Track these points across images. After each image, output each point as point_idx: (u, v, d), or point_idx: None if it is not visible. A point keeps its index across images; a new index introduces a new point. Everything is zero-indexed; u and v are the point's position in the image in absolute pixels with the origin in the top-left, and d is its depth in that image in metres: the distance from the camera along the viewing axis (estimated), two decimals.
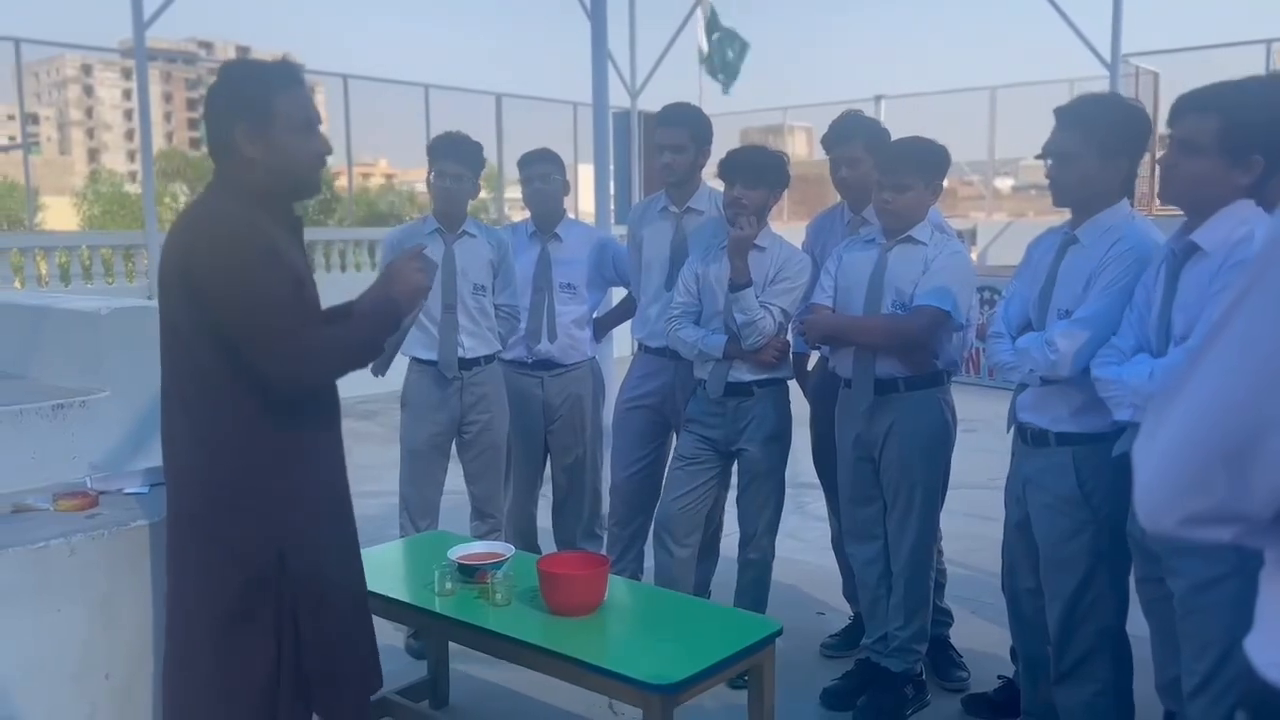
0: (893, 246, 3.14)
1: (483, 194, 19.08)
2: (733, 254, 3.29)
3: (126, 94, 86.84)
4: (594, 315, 4.27)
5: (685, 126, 3.68)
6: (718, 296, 3.41)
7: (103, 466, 2.87)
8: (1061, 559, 2.68)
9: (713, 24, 12.79)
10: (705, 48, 13.21)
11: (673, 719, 2.36)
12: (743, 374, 3.39)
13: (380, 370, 3.71)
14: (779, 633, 2.61)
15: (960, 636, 3.71)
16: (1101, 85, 10.73)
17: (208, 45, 76.25)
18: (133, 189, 43.19)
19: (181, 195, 33.40)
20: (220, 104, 2.18)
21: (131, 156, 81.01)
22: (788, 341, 3.42)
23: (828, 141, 3.55)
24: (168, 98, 79.37)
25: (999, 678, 3.36)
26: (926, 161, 3.11)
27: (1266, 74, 2.16)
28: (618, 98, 11.00)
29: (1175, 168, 2.18)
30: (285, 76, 2.20)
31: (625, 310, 4.38)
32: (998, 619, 3.76)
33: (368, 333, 2.30)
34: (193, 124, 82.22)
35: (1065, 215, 2.76)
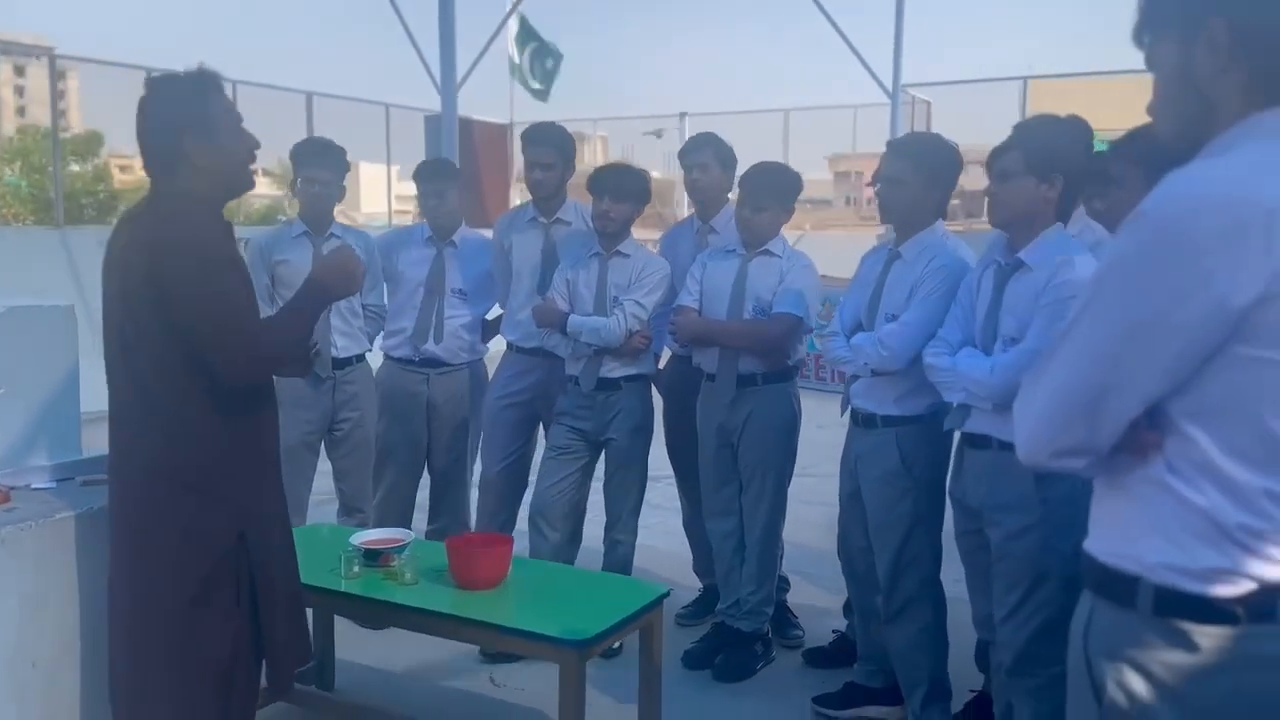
0: (752, 257, 3.61)
1: (277, 191, 18.36)
2: (541, 322, 3.79)
3: None
4: (485, 318, 4.46)
5: (554, 146, 4.00)
6: (586, 300, 3.76)
7: (2, 463, 2.87)
8: (888, 521, 3.18)
9: (526, 35, 13.10)
10: (516, 58, 13.51)
11: (585, 671, 2.68)
12: (612, 370, 3.76)
13: (305, 371, 3.77)
14: (668, 594, 2.99)
15: (795, 600, 4.21)
16: (883, 112, 11.86)
17: None
18: None
19: None
20: (164, 117, 2.32)
21: None
22: (648, 336, 3.80)
23: (683, 153, 4.08)
24: None
25: (833, 632, 3.87)
26: (782, 186, 3.61)
27: (1061, 116, 2.77)
28: (430, 101, 11.09)
29: (997, 195, 2.72)
30: (213, 82, 2.37)
31: None
32: (827, 585, 4.31)
33: (302, 319, 2.48)
34: None
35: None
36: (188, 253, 2.22)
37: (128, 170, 25.20)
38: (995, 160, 2.72)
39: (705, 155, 3.99)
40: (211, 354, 2.26)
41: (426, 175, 4.27)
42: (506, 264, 4.17)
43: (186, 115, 2.31)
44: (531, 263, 4.08)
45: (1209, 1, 1.31)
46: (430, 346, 4.22)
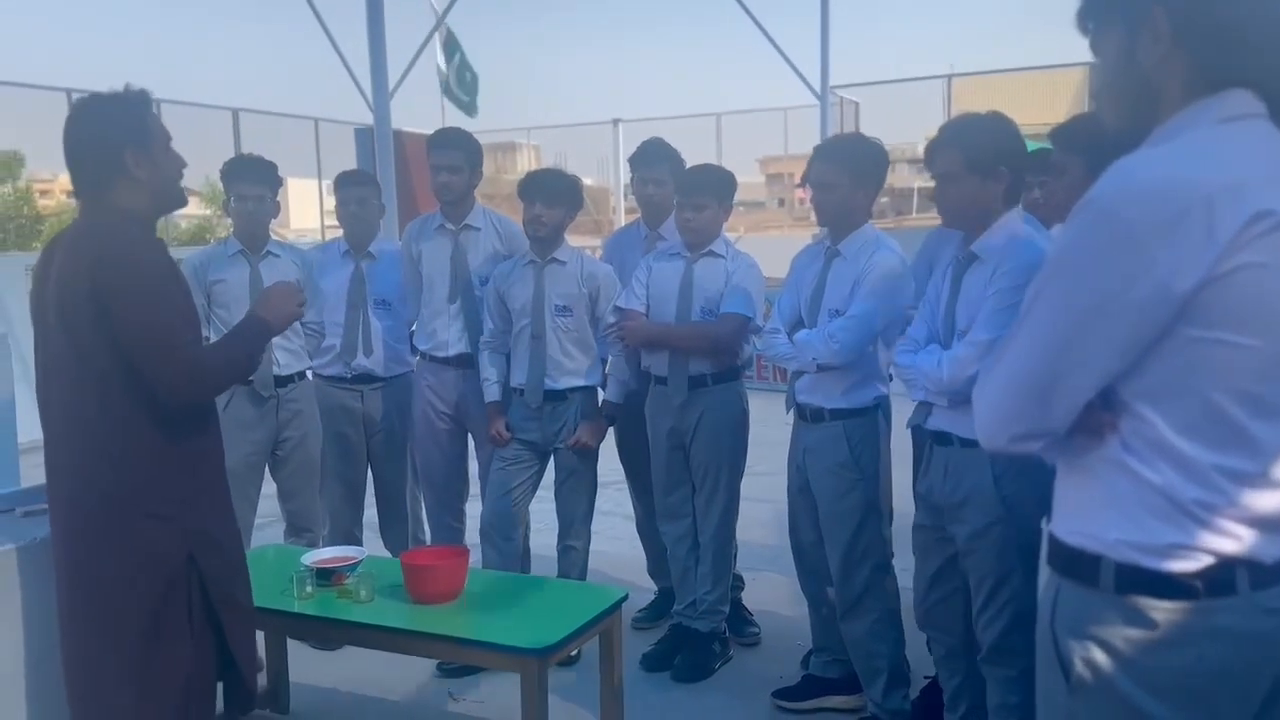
0: (697, 259, 3.63)
1: (207, 211, 17.97)
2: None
3: None
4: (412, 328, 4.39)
5: (460, 150, 3.95)
6: (527, 310, 3.75)
7: None
8: (838, 512, 3.21)
9: (452, 46, 13.01)
10: (443, 67, 13.41)
11: (547, 679, 2.67)
12: (558, 382, 3.75)
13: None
14: (625, 598, 2.99)
15: (750, 598, 4.23)
16: (813, 114, 12.02)
17: None
18: None
19: None
20: (103, 132, 2.30)
21: None
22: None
23: (635, 162, 4.01)
24: None
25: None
26: (719, 184, 3.62)
27: (986, 112, 2.75)
28: (360, 114, 10.96)
29: (944, 196, 2.72)
30: (146, 100, 2.37)
31: None
32: (780, 582, 4.34)
33: (245, 349, 2.50)
34: None
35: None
36: (129, 266, 2.21)
37: (48, 195, 24.44)
38: (933, 159, 2.73)
39: (661, 171, 3.95)
40: (152, 369, 2.24)
41: (347, 184, 4.22)
42: (416, 273, 4.11)
43: (127, 130, 2.31)
44: (442, 271, 4.02)
45: None
46: (361, 361, 4.16)
